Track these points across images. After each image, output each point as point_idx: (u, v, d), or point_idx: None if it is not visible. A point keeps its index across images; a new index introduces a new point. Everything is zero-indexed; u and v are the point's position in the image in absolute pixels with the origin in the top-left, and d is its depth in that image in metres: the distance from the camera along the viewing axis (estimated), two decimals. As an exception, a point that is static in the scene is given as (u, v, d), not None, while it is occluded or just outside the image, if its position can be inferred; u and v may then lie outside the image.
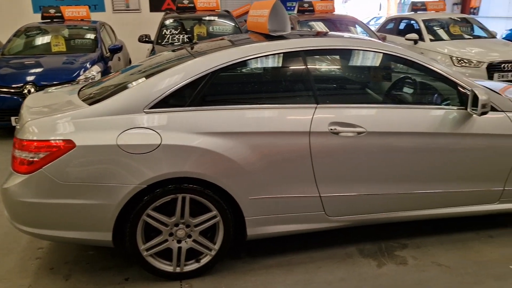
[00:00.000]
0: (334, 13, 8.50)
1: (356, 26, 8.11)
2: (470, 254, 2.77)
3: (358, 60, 2.89)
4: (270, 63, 2.71)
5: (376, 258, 2.75)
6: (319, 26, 8.00)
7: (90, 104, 2.46)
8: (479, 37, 8.11)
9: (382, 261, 2.72)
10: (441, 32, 8.08)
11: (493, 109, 2.73)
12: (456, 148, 2.71)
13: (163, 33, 6.83)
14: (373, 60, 2.89)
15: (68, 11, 7.49)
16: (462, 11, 17.03)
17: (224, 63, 2.52)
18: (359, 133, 2.55)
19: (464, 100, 2.71)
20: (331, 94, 2.71)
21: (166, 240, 2.47)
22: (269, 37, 2.79)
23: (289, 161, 2.51)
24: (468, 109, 2.66)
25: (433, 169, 2.71)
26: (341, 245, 2.90)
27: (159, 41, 6.74)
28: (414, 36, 7.83)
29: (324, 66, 2.90)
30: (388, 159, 2.63)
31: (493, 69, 6.84)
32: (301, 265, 2.70)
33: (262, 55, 2.60)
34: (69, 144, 2.27)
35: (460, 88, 2.74)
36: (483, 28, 8.37)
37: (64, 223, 2.38)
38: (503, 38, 11.13)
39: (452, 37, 7.96)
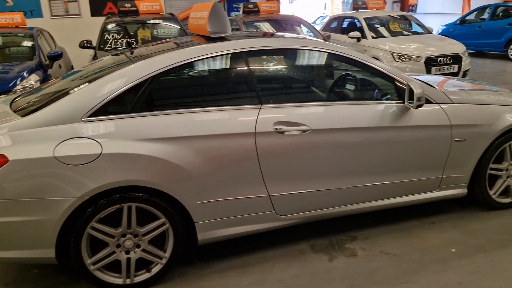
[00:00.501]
0: (279, 13, 8.59)
1: (302, 25, 8.25)
2: (414, 241, 2.89)
3: (300, 60, 2.94)
4: (212, 65, 2.69)
5: (327, 252, 2.81)
6: (265, 27, 8.07)
7: (25, 114, 2.33)
8: (417, 33, 8.51)
9: (333, 255, 2.78)
10: (382, 30, 8.40)
11: (429, 101, 2.86)
12: (397, 141, 2.82)
13: (105, 38, 6.62)
14: (316, 59, 2.96)
15: (1, 18, 7.08)
16: (402, 9, 17.81)
17: (165, 67, 2.48)
18: (303, 131, 2.59)
19: (402, 94, 2.82)
20: (275, 94, 2.74)
21: (114, 252, 2.39)
22: (210, 39, 2.78)
23: (236, 163, 2.50)
24: (405, 103, 2.78)
25: (377, 162, 2.81)
26: (294, 242, 2.93)
27: (101, 46, 6.52)
28: (357, 34, 8.09)
29: (267, 67, 2.92)
30: (333, 155, 2.69)
31: (430, 63, 7.20)
32: (255, 265, 2.70)
33: (203, 57, 2.57)
34: (1, 159, 2.14)
35: (398, 83, 2.85)
36: (420, 24, 8.79)
37: (2, 242, 2.24)
38: (439, 34, 11.74)
39: (392, 34, 8.30)
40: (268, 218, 2.67)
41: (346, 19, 9.27)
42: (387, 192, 2.92)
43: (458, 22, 12.47)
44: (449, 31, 12.37)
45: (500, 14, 11.42)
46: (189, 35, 3.64)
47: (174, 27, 7.14)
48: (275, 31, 7.78)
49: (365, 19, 8.39)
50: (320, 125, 2.63)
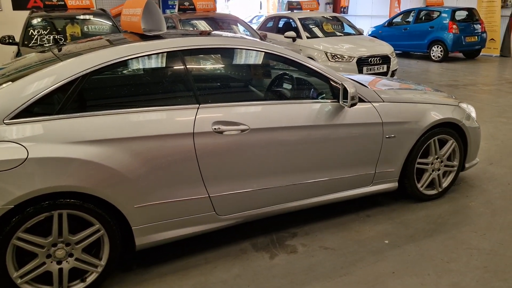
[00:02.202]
0: (216, 12, 8.54)
1: (238, 24, 8.27)
2: (351, 234, 3.01)
3: (238, 59, 2.93)
4: (147, 64, 2.60)
5: (268, 250, 2.84)
6: (202, 25, 7.98)
7: None
8: (349, 34, 8.86)
9: (274, 252, 2.81)
10: (316, 30, 8.65)
11: (362, 100, 2.99)
12: (333, 138, 2.91)
13: (30, 33, 6.19)
14: (253, 59, 2.96)
15: None
16: (334, 10, 18.47)
17: (97, 65, 2.36)
18: (242, 130, 2.59)
19: (336, 93, 2.91)
20: (213, 94, 2.71)
21: (44, 263, 2.23)
22: (144, 37, 2.69)
23: (174, 165, 2.44)
24: (340, 102, 2.87)
25: (314, 159, 2.88)
26: (235, 241, 2.93)
27: (25, 42, 6.09)
28: (292, 34, 8.26)
29: (204, 66, 2.88)
30: (272, 153, 2.72)
31: (362, 63, 7.54)
32: (197, 267, 2.66)
33: (137, 56, 2.48)
34: None
35: (332, 83, 2.94)
36: (351, 26, 9.17)
37: None
38: (369, 35, 12.33)
39: (326, 34, 8.57)
40: (208, 219, 2.64)
41: (281, 19, 9.43)
42: (324, 189, 3.01)
43: (386, 24, 13.17)
44: (378, 33, 13.03)
45: (423, 17, 12.22)
46: (122, 32, 3.51)
47: (105, 24, 6.85)
48: (211, 29, 7.73)
49: (300, 19, 8.59)
50: (259, 124, 2.64)
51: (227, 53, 2.91)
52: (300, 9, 9.44)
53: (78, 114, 2.26)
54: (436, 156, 3.42)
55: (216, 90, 2.81)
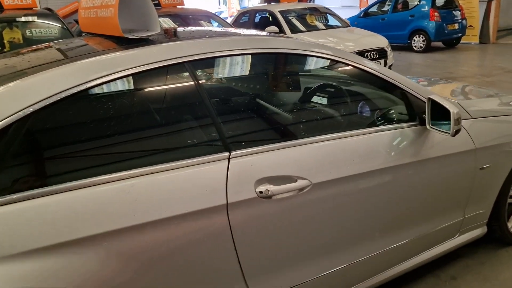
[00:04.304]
0: (184, 7, 7.42)
1: (211, 21, 7.19)
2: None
3: (283, 73, 1.91)
4: (135, 90, 1.53)
5: None
6: (168, 23, 6.86)
7: None
8: (335, 26, 7.98)
9: None
10: (299, 24, 7.70)
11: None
12: (418, 180, 1.95)
13: (-46, 42, 4.86)
14: (305, 69, 1.95)
15: None
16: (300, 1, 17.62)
17: (43, 99, 1.27)
18: (301, 189, 1.58)
19: (413, 112, 1.96)
20: (247, 132, 1.67)
21: None
22: (125, 42, 1.61)
23: (197, 260, 1.41)
24: (428, 126, 1.91)
25: (395, 214, 1.92)
26: None
27: (-50, 53, 4.76)
28: (274, 28, 7.26)
29: (229, 87, 1.83)
30: (341, 218, 1.73)
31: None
32: None
33: (117, 76, 1.41)
34: None
35: (411, 97, 1.98)
36: (337, 17, 8.29)
37: None
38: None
39: (311, 28, 7.65)
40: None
41: (258, 13, 8.42)
42: (405, 253, 2.06)
43: (362, 15, 12.43)
44: (353, 24, 12.19)
45: (401, 6, 11.55)
46: (82, 35, 2.38)
47: (54, 26, 5.57)
48: (176, 27, 6.62)
49: (281, 12, 7.61)
50: (324, 175, 1.64)
51: (265, 63, 1.88)
52: (278, 0, 8.46)
53: (15, 197, 1.18)
54: (528, 184, 2.54)
55: (252, 125, 1.75)
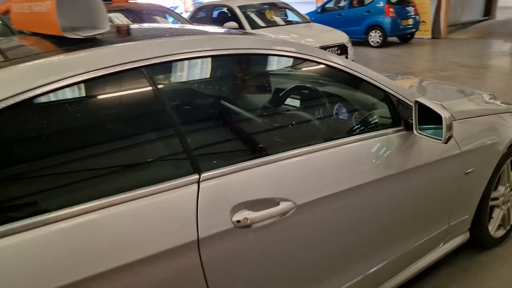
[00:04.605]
0: (137, 2, 6.99)
1: (167, 16, 6.83)
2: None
3: (257, 75, 1.67)
4: (78, 103, 1.23)
5: None
6: (120, 19, 6.44)
7: None
8: (295, 22, 7.83)
9: None
10: (258, 19, 7.49)
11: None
12: (406, 191, 1.79)
13: None
14: (286, 73, 1.72)
15: None
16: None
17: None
18: (284, 213, 1.35)
19: (397, 115, 1.79)
20: (220, 148, 1.42)
21: None
22: (66, 44, 1.31)
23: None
24: (415, 131, 1.74)
25: (385, 230, 1.75)
26: None
27: None
28: (234, 24, 7.01)
29: (195, 94, 1.56)
30: (328, 239, 1.53)
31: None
32: None
33: (53, 87, 1.11)
34: None
35: (395, 100, 1.81)
36: (297, 12, 8.15)
37: None
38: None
39: (269, 23, 7.45)
40: None
41: (216, 8, 8.11)
42: (392, 270, 1.89)
43: (319, 10, 12.40)
44: (311, 20, 12.18)
45: (356, 1, 11.60)
46: (15, 34, 2.04)
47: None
48: (130, 23, 6.24)
49: (239, 7, 7.36)
50: (310, 193, 1.43)
51: (243, 67, 1.62)
52: (235, -4, 8.19)
53: None
54: (508, 185, 2.47)
55: (227, 138, 1.50)
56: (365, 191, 1.60)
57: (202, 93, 1.54)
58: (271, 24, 7.47)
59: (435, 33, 12.20)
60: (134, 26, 1.79)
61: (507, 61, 8.46)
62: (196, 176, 1.23)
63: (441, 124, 1.62)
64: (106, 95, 1.25)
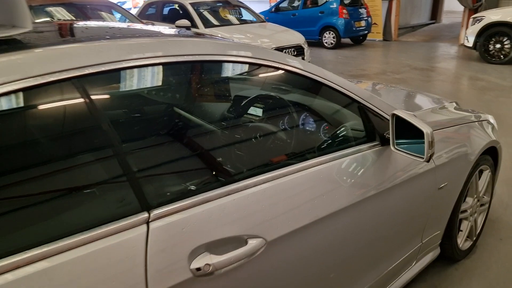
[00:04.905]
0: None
1: (113, 12, 6.40)
2: None
3: (217, 87, 1.42)
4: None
5: None
6: (61, 14, 5.96)
7: None
8: (249, 21, 7.63)
9: None
10: (211, 17, 7.22)
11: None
12: (384, 212, 1.62)
13: None
14: (256, 85, 1.49)
15: None
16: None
17: None
18: (253, 253, 1.13)
19: (374, 129, 1.63)
20: (173, 178, 1.17)
21: None
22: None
23: None
24: (392, 147, 1.58)
25: (361, 257, 1.57)
26: None
27: None
28: (186, 22, 6.68)
29: (142, 112, 1.29)
30: (299, 277, 1.33)
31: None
32: None
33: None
34: None
35: (369, 112, 1.64)
36: (251, 11, 7.95)
37: None
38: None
39: (224, 22, 7.21)
40: None
41: (167, 5, 7.75)
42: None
43: (273, 9, 12.28)
44: (265, 19, 12.06)
45: (310, 2, 11.59)
46: None
47: None
48: (73, 19, 5.78)
49: (192, 4, 7.05)
50: (281, 227, 1.21)
51: (201, 77, 1.37)
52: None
53: None
54: (475, 196, 2.39)
55: (181, 165, 1.24)
56: (342, 217, 1.41)
57: (151, 109, 1.28)
58: (225, 23, 7.23)
59: (386, 36, 12.47)
60: (67, 24, 1.49)
61: (455, 64, 8.73)
62: (145, 215, 0.99)
63: (421, 139, 1.47)
64: (23, 114, 0.97)
